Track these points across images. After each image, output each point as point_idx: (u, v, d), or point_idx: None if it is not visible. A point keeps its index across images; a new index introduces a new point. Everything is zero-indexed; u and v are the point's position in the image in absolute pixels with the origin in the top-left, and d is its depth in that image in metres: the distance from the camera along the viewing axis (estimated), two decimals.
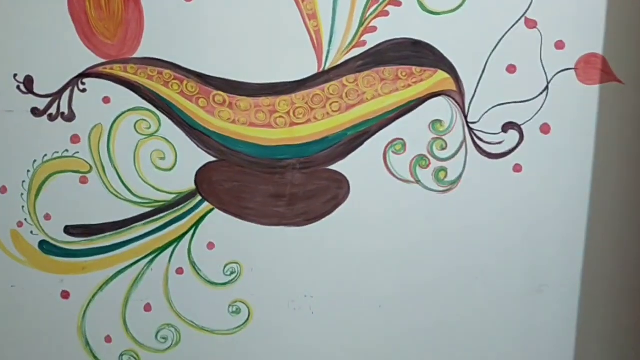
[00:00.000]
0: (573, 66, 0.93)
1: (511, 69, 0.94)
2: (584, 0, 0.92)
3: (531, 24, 0.92)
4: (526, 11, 0.92)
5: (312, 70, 0.94)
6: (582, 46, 0.93)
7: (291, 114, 0.95)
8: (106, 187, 0.97)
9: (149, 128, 0.96)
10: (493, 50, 0.93)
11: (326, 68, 0.94)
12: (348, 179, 0.97)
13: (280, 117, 0.95)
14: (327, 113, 0.95)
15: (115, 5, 0.92)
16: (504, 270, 0.99)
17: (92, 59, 0.93)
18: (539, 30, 0.92)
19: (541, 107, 0.94)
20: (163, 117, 0.95)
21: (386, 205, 0.98)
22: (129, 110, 0.95)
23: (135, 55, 0.93)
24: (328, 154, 0.96)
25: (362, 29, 0.92)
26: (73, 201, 0.97)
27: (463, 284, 1.00)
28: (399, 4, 0.92)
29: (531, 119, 0.95)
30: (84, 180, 0.97)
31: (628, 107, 0.95)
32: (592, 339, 1.01)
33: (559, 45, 0.93)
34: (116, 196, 0.97)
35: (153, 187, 0.97)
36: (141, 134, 0.96)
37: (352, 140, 0.96)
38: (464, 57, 0.93)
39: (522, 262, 0.99)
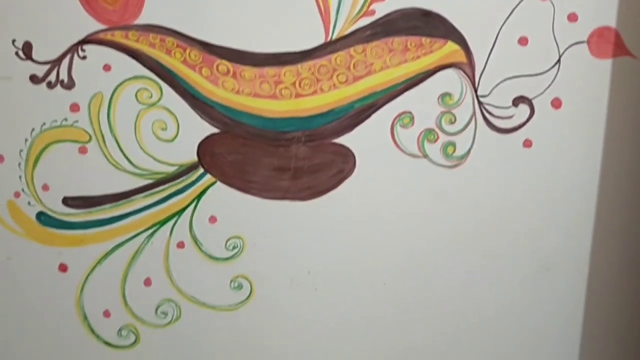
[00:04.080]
0: (585, 39, 0.91)
1: (523, 41, 0.91)
2: None
3: None
4: None
5: (318, 40, 0.91)
6: (595, 19, 0.90)
7: (297, 85, 0.92)
8: (106, 157, 0.95)
9: (151, 97, 0.93)
10: (505, 22, 0.91)
11: (333, 38, 0.91)
12: (354, 152, 0.95)
13: (286, 88, 0.92)
14: (334, 85, 0.92)
15: None
16: (512, 246, 0.98)
17: (92, 25, 0.90)
18: (552, 2, 0.90)
19: (552, 81, 0.92)
20: (165, 87, 0.93)
21: (393, 180, 0.96)
22: (130, 78, 0.92)
23: (137, 22, 0.90)
24: (334, 127, 0.94)
25: None
26: (72, 172, 0.95)
27: (469, 260, 0.98)
28: None
29: (542, 93, 0.93)
30: (83, 150, 0.94)
31: None
32: (600, 320, 1.00)
33: (572, 17, 0.90)
34: (116, 167, 0.95)
35: (154, 158, 0.95)
36: (142, 104, 0.93)
37: (358, 113, 0.93)
38: (475, 28, 0.91)
39: (530, 239, 0.97)
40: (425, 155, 0.95)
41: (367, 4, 0.90)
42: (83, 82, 0.92)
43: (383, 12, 0.91)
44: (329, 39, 0.91)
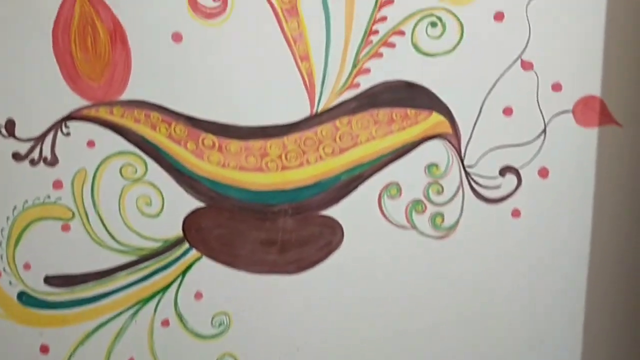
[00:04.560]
0: (570, 108, 0.92)
1: (507, 111, 0.92)
2: (581, 41, 0.90)
3: (527, 65, 0.90)
4: (522, 53, 0.90)
5: (304, 112, 0.92)
6: (580, 88, 0.91)
7: (283, 157, 0.92)
8: (89, 234, 0.94)
9: (135, 173, 0.93)
10: (489, 93, 0.91)
11: (319, 111, 0.92)
12: (342, 224, 0.94)
13: (272, 160, 0.92)
14: (320, 157, 0.92)
15: (101, 47, 0.90)
16: (503, 317, 0.96)
17: (77, 102, 0.91)
18: (536, 72, 0.91)
19: (539, 150, 0.93)
20: (150, 161, 0.93)
21: (381, 251, 0.95)
22: (114, 154, 0.92)
23: (121, 98, 0.91)
24: (321, 198, 0.93)
25: (355, 70, 0.91)
26: (54, 250, 0.94)
27: (461, 332, 0.97)
28: (393, 46, 0.90)
29: (529, 162, 0.93)
30: (65, 228, 0.94)
31: (626, 150, 0.93)
32: None
33: (556, 87, 0.91)
34: (99, 244, 0.94)
35: (138, 234, 0.94)
36: (127, 179, 0.93)
37: (345, 184, 0.93)
38: (459, 99, 0.92)
39: (522, 310, 0.96)
40: (414, 226, 0.94)
41: (351, 77, 0.91)
42: (66, 158, 0.92)
43: (368, 85, 0.91)
44: (314, 111, 0.92)
